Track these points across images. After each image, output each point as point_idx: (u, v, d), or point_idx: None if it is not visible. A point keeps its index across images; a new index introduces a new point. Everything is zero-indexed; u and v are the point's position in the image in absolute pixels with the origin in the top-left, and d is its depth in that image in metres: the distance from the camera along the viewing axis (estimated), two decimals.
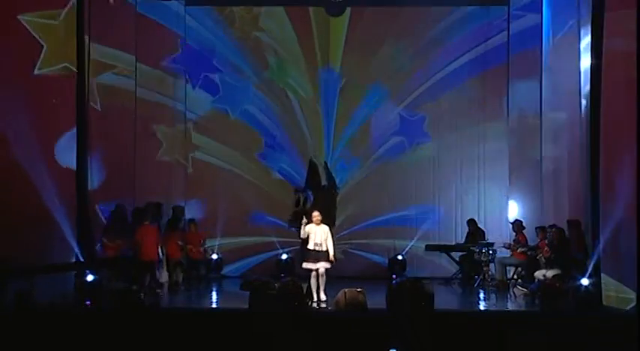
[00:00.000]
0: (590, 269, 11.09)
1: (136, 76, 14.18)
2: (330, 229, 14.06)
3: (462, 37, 15.43)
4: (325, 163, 14.75)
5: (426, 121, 15.54)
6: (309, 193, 14.19)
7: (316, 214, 11.58)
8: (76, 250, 11.99)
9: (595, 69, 11.09)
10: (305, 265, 11.37)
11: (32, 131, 11.38)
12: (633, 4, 9.67)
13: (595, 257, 10.93)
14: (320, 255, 11.31)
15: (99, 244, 12.67)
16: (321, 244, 11.33)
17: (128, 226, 12.97)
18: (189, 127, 15.62)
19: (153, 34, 14.77)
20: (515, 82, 15.00)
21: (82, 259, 11.94)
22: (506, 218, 14.57)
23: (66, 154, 11.79)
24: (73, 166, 11.91)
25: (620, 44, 10.38)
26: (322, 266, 11.29)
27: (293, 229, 14.62)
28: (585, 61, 11.83)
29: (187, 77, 15.57)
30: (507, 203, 14.95)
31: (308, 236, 11.40)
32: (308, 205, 14.17)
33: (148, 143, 14.75)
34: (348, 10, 15.55)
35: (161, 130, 15.17)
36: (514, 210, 14.74)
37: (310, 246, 11.35)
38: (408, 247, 15.22)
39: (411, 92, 15.56)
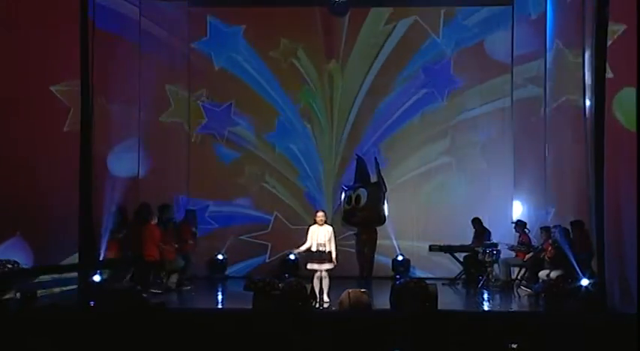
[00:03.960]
0: (594, 270, 11.10)
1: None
2: (377, 226, 14.10)
3: (465, 37, 15.42)
4: (375, 158, 14.66)
5: (429, 121, 15.54)
6: (361, 190, 14.13)
7: (320, 215, 11.59)
8: (80, 250, 12.00)
9: (599, 69, 11.09)
10: (309, 265, 11.37)
11: (38, 132, 11.45)
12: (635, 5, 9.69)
13: (599, 258, 10.92)
14: (324, 256, 11.30)
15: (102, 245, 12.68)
16: (324, 245, 11.32)
17: (129, 227, 12.96)
18: None
19: None
20: (519, 83, 14.99)
21: (85, 260, 11.96)
22: (511, 219, 14.53)
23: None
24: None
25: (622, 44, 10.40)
26: (326, 267, 11.30)
27: (350, 230, 14.67)
28: (589, 62, 11.82)
29: None
30: (511, 203, 14.92)
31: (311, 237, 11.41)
32: (362, 203, 14.11)
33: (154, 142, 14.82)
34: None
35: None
36: (518, 210, 14.72)
37: (313, 247, 11.35)
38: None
39: (414, 91, 15.56)
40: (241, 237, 15.48)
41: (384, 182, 14.19)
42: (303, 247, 11.42)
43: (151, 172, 14.38)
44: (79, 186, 12.11)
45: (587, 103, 11.87)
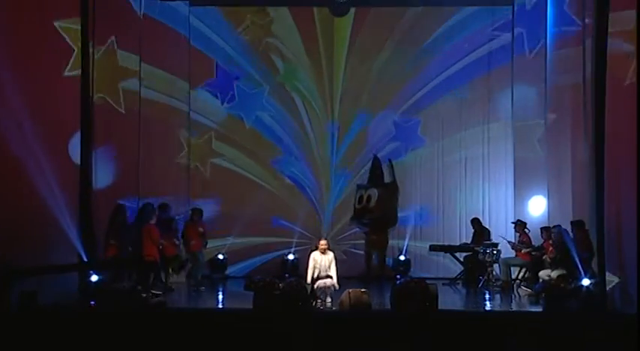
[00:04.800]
0: (594, 270, 11.10)
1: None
2: (387, 228, 14.30)
3: (466, 38, 15.40)
4: (389, 160, 14.80)
5: (430, 120, 15.53)
6: (372, 190, 14.15)
7: (323, 243, 11.67)
8: (80, 250, 12.01)
9: (599, 69, 11.09)
10: (315, 285, 11.41)
11: (38, 131, 11.44)
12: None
13: (599, 258, 10.92)
14: (327, 280, 11.43)
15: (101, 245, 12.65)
16: (327, 272, 11.44)
17: (129, 226, 12.93)
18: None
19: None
20: (519, 82, 14.97)
21: (85, 260, 11.96)
22: (511, 218, 14.52)
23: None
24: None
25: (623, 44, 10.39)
26: (330, 283, 11.40)
27: (358, 229, 14.68)
28: (589, 62, 11.82)
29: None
30: (512, 203, 14.91)
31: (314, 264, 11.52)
32: (372, 203, 14.16)
33: (158, 145, 14.74)
34: (353, 10, 15.56)
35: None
36: (518, 210, 14.70)
37: (316, 273, 11.46)
38: (406, 246, 15.21)
39: (416, 91, 15.53)
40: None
41: (396, 183, 14.27)
42: (309, 278, 11.44)
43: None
44: (79, 186, 12.13)
45: (588, 103, 11.88)
